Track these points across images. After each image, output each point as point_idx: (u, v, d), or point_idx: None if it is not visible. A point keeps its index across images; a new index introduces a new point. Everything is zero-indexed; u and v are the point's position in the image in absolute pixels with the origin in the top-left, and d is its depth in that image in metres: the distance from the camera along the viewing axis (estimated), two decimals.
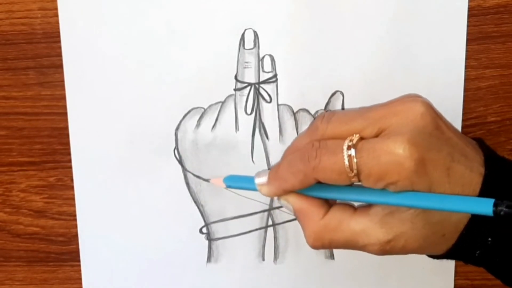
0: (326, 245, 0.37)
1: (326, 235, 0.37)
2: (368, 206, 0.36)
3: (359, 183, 0.35)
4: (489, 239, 0.35)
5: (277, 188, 0.37)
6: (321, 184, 0.36)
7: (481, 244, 0.35)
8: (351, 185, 0.36)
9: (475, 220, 0.35)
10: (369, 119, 0.35)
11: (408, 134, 0.33)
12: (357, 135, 0.34)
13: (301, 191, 0.37)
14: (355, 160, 0.33)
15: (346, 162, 0.33)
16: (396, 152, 0.33)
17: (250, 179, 0.38)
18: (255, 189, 0.38)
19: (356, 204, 0.37)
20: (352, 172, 0.34)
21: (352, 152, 0.33)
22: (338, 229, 0.36)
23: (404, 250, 0.36)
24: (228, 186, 0.40)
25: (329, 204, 0.37)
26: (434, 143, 0.34)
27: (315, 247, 0.37)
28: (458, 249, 0.36)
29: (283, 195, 0.37)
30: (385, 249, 0.35)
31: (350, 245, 0.37)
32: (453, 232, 0.35)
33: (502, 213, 0.32)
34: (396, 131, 0.33)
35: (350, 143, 0.34)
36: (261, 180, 0.38)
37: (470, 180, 0.34)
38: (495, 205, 0.32)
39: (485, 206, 0.33)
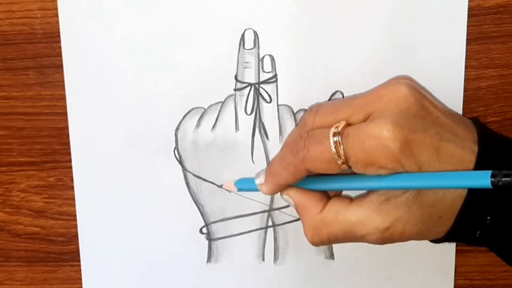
0: (324, 239, 0.37)
1: (323, 229, 0.37)
2: (364, 196, 0.36)
3: (351, 171, 0.35)
4: (488, 218, 0.35)
5: (273, 184, 0.37)
6: (319, 176, 0.36)
7: (480, 224, 0.35)
8: (351, 174, 0.35)
9: (471, 199, 0.35)
10: (355, 106, 0.35)
11: (391, 116, 0.33)
12: (343, 122, 0.34)
13: (299, 185, 0.37)
14: (341, 146, 0.33)
15: (333, 149, 0.34)
16: (380, 135, 0.33)
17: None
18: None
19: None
20: (340, 158, 0.34)
21: (338, 138, 0.33)
22: (335, 221, 0.36)
23: (404, 236, 0.35)
24: (239, 190, 0.40)
25: (329, 198, 0.37)
26: (419, 124, 0.33)
27: (314, 242, 0.37)
28: (458, 231, 0.36)
29: (281, 191, 0.38)
30: (385, 236, 0.35)
31: (348, 236, 0.36)
32: (450, 213, 0.35)
33: (500, 183, 0.31)
34: (380, 115, 0.34)
35: (335, 130, 0.34)
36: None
37: (461, 159, 0.34)
38: (492, 176, 0.31)
39: (482, 179, 0.32)
